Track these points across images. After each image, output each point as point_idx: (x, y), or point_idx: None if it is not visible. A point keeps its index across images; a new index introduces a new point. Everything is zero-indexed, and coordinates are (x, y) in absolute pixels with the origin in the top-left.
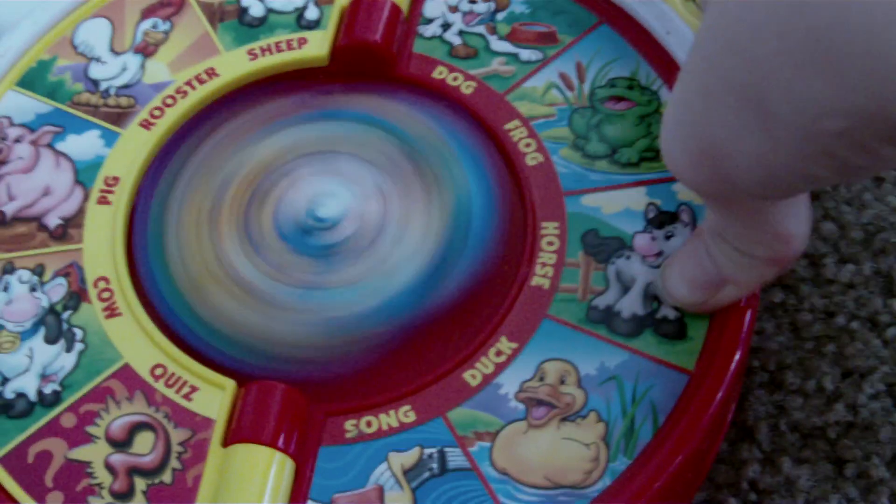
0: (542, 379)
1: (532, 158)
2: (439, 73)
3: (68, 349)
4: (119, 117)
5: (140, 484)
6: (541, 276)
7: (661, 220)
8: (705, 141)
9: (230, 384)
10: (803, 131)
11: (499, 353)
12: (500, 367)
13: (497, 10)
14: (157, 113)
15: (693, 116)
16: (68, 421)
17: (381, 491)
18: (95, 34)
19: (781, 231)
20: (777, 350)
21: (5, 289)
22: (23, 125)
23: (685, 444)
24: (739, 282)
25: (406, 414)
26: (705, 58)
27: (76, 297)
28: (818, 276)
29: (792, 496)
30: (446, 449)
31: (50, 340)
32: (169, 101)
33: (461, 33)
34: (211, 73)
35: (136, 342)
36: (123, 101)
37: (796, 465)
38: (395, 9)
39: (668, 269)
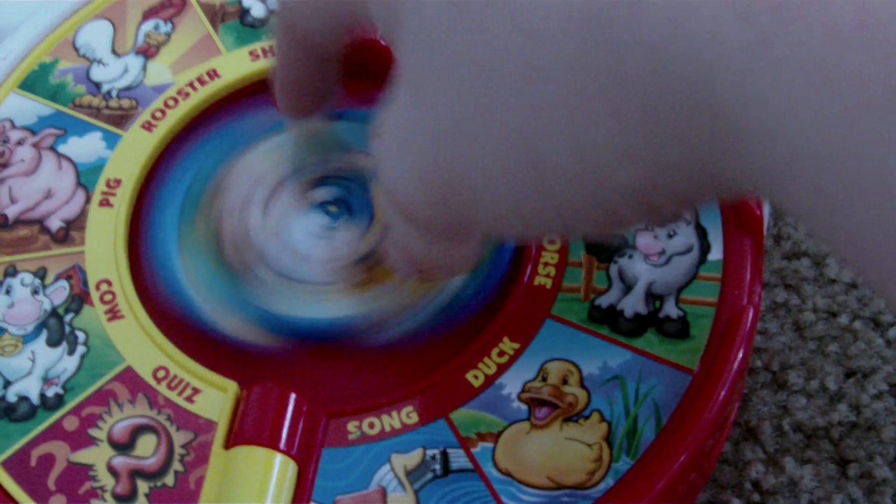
0: (544, 379)
1: None
2: None
3: (70, 352)
4: (121, 119)
5: (143, 487)
6: (543, 276)
7: None
8: (454, 176)
9: (232, 386)
10: (586, 182)
11: (501, 354)
12: (502, 368)
13: None
14: (158, 115)
15: (440, 146)
16: (71, 424)
17: (383, 492)
18: (97, 36)
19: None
20: (780, 350)
21: (7, 292)
22: (25, 128)
23: (688, 444)
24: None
25: (408, 415)
26: (464, 82)
27: (78, 299)
28: (821, 275)
29: (795, 497)
30: (449, 450)
31: (52, 343)
32: (171, 102)
33: None
34: (213, 74)
35: (139, 345)
36: (125, 102)
37: (800, 466)
38: None
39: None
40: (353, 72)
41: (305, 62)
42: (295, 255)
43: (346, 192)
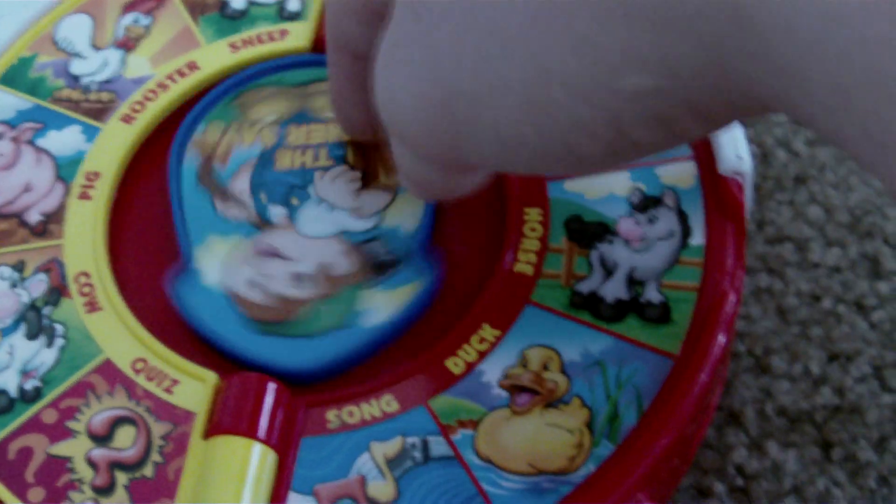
0: (525, 365)
1: None
2: None
3: (49, 345)
4: (100, 112)
5: (122, 478)
6: (524, 263)
7: (646, 204)
8: (451, 91)
9: (211, 376)
10: (593, 90)
11: (482, 341)
12: (482, 355)
13: None
14: (137, 107)
15: (439, 61)
16: (49, 416)
17: (363, 481)
18: (76, 30)
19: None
20: (763, 334)
21: None
22: (3, 122)
23: (670, 429)
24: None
25: (388, 403)
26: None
27: (57, 292)
28: (804, 259)
29: (779, 481)
30: (429, 437)
31: (30, 336)
32: (150, 95)
33: None
34: (192, 66)
35: (117, 336)
36: (104, 96)
37: (783, 450)
38: None
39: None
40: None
41: (359, 74)
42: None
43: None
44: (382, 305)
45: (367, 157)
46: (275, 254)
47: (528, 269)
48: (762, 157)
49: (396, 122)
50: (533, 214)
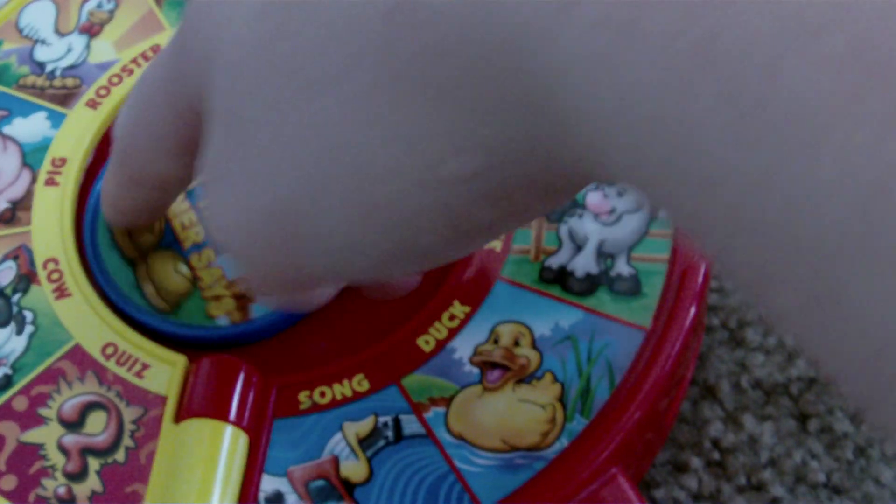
0: (496, 342)
1: None
2: None
3: (19, 332)
4: (65, 98)
5: (94, 464)
6: (491, 241)
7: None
8: (278, 205)
9: (181, 360)
10: (414, 181)
11: (452, 318)
12: (453, 332)
13: None
14: (103, 92)
15: (262, 174)
16: (20, 404)
17: (336, 461)
18: (40, 16)
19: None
20: (737, 307)
21: None
22: None
23: (643, 402)
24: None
25: (360, 383)
26: (268, 97)
27: (26, 279)
28: None
29: (755, 453)
30: (401, 416)
31: (0, 324)
32: (115, 79)
33: None
34: (156, 50)
35: (87, 322)
36: (69, 81)
37: (759, 422)
38: None
39: None
40: None
41: (154, 199)
42: None
43: None
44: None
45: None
46: None
47: (497, 245)
48: None
49: (229, 244)
50: None
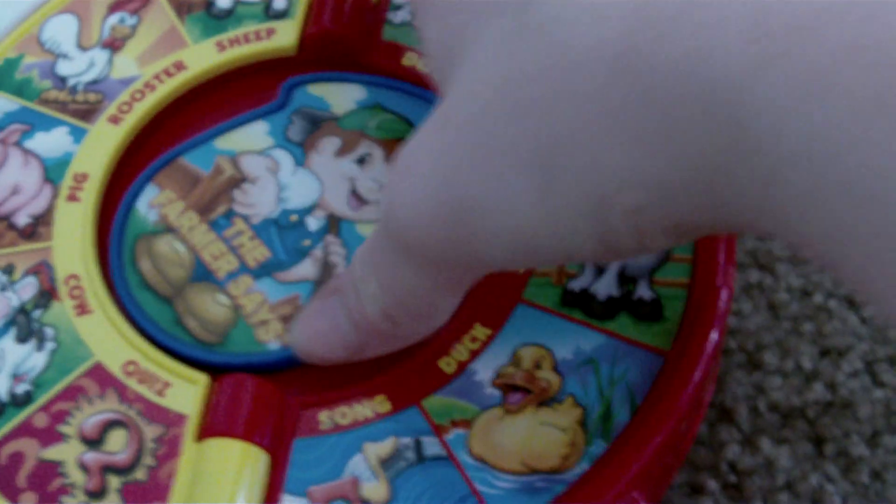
0: (517, 364)
1: None
2: (409, 59)
3: (39, 348)
4: (87, 113)
5: (114, 482)
6: None
7: None
8: (464, 198)
9: (203, 379)
10: (591, 205)
11: (473, 340)
12: (474, 354)
13: None
14: (125, 108)
15: (455, 169)
16: (40, 421)
17: (356, 482)
18: (62, 31)
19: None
20: (755, 331)
21: None
22: None
23: (663, 426)
24: (381, 351)
25: (381, 403)
26: (487, 110)
27: (47, 295)
28: (794, 255)
29: (772, 476)
30: (422, 438)
31: (20, 340)
32: (137, 95)
33: None
34: (179, 65)
35: (108, 339)
36: (91, 96)
37: (776, 446)
38: None
39: (299, 325)
40: (323, 61)
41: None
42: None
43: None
44: None
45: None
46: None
47: (519, 270)
48: None
49: (406, 225)
50: None
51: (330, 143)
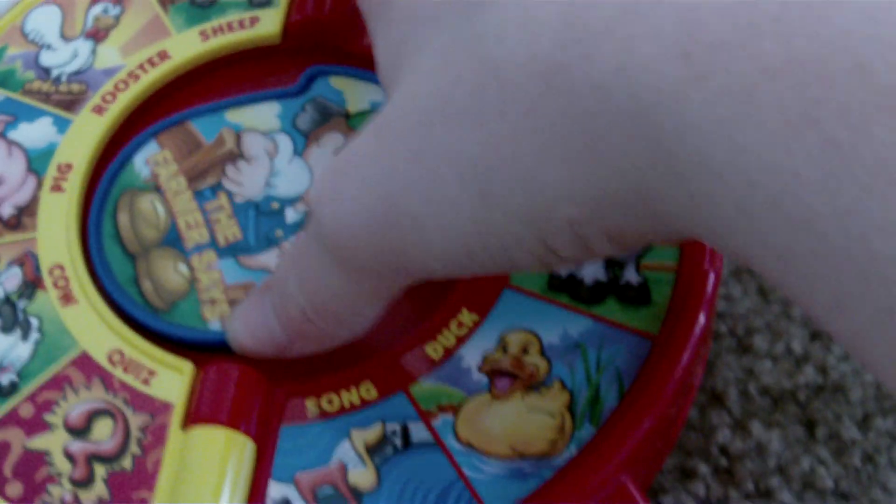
0: (504, 349)
1: None
2: None
3: (24, 338)
4: (71, 104)
5: (100, 471)
6: None
7: None
8: (398, 206)
9: (188, 367)
10: (529, 217)
11: (460, 325)
12: (461, 340)
13: None
14: (109, 98)
15: (391, 177)
16: (26, 411)
17: (344, 468)
18: (46, 21)
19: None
20: (744, 314)
21: None
22: None
23: (651, 410)
24: (303, 349)
25: (367, 390)
26: (425, 119)
27: (31, 285)
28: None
29: (763, 460)
30: (409, 423)
31: (5, 330)
32: (121, 85)
33: None
34: (163, 55)
35: (93, 329)
36: (75, 87)
37: (767, 429)
38: None
39: (234, 316)
40: (307, 49)
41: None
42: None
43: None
44: None
45: None
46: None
47: None
48: None
49: (335, 229)
50: None
51: (333, 139)
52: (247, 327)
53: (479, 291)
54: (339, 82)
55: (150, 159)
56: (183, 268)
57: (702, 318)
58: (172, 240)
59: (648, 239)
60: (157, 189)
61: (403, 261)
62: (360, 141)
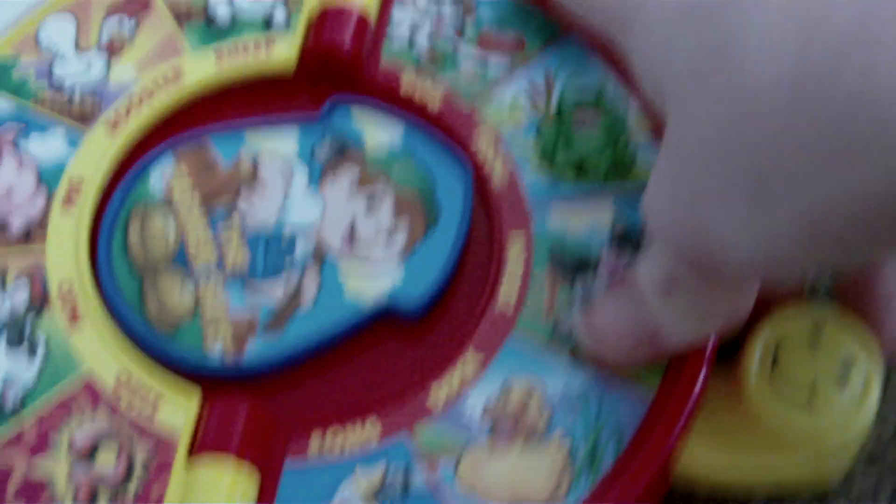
0: (506, 398)
1: (499, 171)
2: (407, 78)
3: (30, 356)
4: (84, 117)
5: (103, 498)
6: (507, 294)
7: (629, 234)
8: (698, 223)
9: (195, 395)
10: (812, 220)
11: (464, 371)
12: (464, 385)
13: (465, 15)
14: (122, 113)
15: (688, 197)
16: (30, 433)
17: None
18: (60, 31)
19: (743, 301)
20: None
21: None
22: None
23: (650, 466)
24: (678, 338)
25: (371, 430)
26: (707, 143)
27: (39, 301)
28: None
29: None
30: (411, 467)
31: (11, 343)
32: (135, 101)
33: (430, 38)
34: (177, 73)
35: (100, 350)
36: (88, 100)
37: None
38: (364, 13)
39: (588, 318)
40: (321, 77)
41: None
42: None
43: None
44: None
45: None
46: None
47: (511, 300)
48: None
49: (659, 232)
50: (516, 243)
51: (349, 173)
52: (608, 325)
53: (483, 338)
54: (360, 114)
55: (166, 173)
56: (189, 288)
57: (702, 374)
58: (180, 259)
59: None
60: (170, 203)
61: (724, 267)
62: (660, 161)
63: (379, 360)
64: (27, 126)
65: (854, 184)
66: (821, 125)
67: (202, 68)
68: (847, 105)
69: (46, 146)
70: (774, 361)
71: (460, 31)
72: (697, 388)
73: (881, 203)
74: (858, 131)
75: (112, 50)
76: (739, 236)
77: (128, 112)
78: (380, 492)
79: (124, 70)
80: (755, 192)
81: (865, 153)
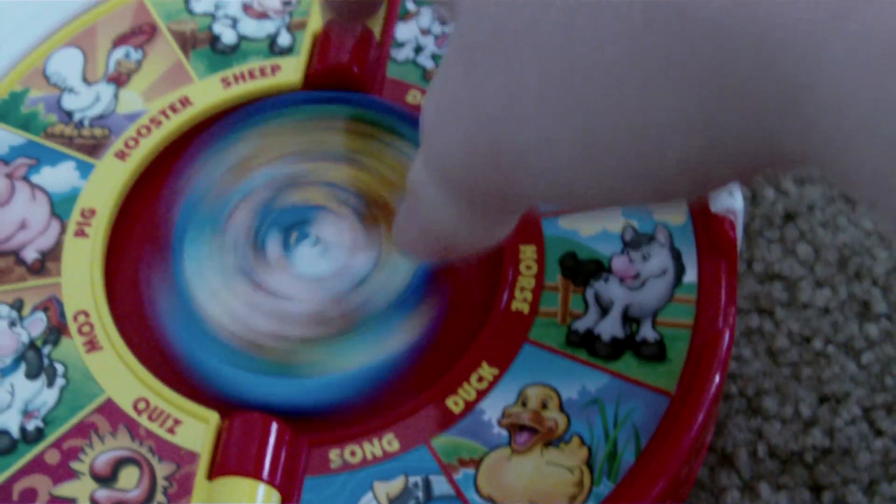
0: (524, 404)
1: None
2: (413, 97)
3: (50, 384)
4: (93, 148)
5: None
6: (520, 301)
7: (639, 241)
8: (499, 144)
9: (214, 416)
10: (639, 156)
11: (480, 379)
12: (482, 394)
13: None
14: (131, 143)
15: (487, 113)
16: (52, 457)
17: None
18: (68, 64)
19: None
20: (754, 376)
21: None
22: None
23: (668, 468)
24: (468, 245)
25: (389, 442)
26: (512, 46)
27: (56, 331)
28: (794, 300)
29: None
30: (431, 477)
31: (31, 376)
32: (143, 130)
33: (434, 56)
34: (185, 101)
35: (118, 376)
36: (97, 131)
37: (775, 492)
38: (368, 33)
39: (395, 225)
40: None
41: None
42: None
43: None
44: (379, 347)
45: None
46: (269, 293)
47: (525, 308)
48: (751, 195)
49: (443, 164)
50: (528, 252)
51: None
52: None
53: (499, 345)
54: None
55: None
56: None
57: (717, 378)
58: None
59: (770, 169)
60: None
61: (515, 193)
62: (448, 73)
63: (395, 377)
64: (38, 160)
65: (703, 127)
66: (677, 53)
67: (210, 95)
68: (711, 33)
69: (58, 178)
70: None
71: None
72: (712, 393)
73: (723, 150)
74: (720, 64)
75: (119, 80)
76: (553, 163)
77: (136, 141)
78: (401, 499)
79: (132, 99)
80: (581, 110)
81: (722, 88)
